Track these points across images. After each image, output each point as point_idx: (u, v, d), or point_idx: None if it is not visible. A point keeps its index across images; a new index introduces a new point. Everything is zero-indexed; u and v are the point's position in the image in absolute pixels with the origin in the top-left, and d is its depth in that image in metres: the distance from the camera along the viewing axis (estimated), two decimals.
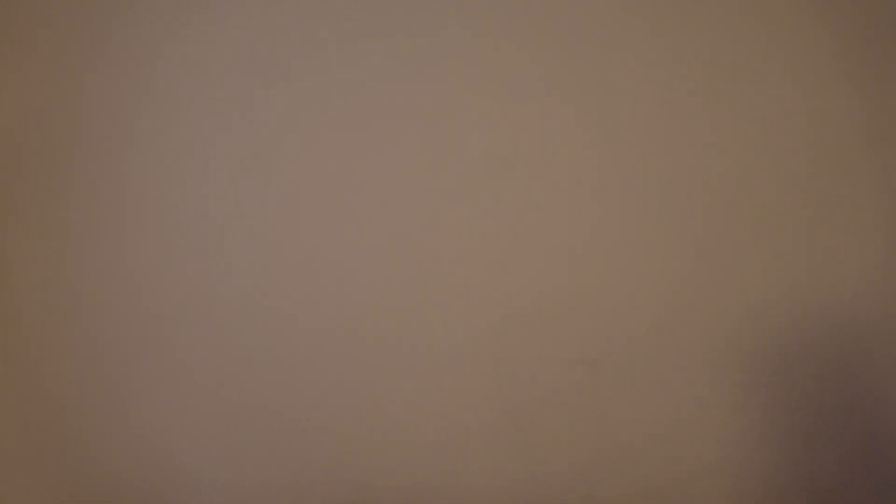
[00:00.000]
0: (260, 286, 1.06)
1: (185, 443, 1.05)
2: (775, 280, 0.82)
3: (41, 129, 0.98)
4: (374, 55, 1.06)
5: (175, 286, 1.05)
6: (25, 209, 0.98)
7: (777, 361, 0.82)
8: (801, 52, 0.73)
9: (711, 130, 0.82)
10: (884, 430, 0.79)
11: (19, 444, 0.92)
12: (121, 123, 1.03)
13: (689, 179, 0.83)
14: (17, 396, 0.93)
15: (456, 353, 0.91)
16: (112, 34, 0.97)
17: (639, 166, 0.83)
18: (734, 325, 0.82)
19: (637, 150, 0.83)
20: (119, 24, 0.99)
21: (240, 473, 1.04)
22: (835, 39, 0.73)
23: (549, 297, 0.93)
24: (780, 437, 0.82)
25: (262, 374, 1.05)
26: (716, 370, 0.82)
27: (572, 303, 0.92)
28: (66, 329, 1.03)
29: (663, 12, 0.86)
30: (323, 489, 1.03)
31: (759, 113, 0.82)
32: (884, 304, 0.81)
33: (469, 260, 0.95)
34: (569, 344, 0.85)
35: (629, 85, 0.84)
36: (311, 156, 1.06)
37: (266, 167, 1.07)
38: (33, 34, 0.96)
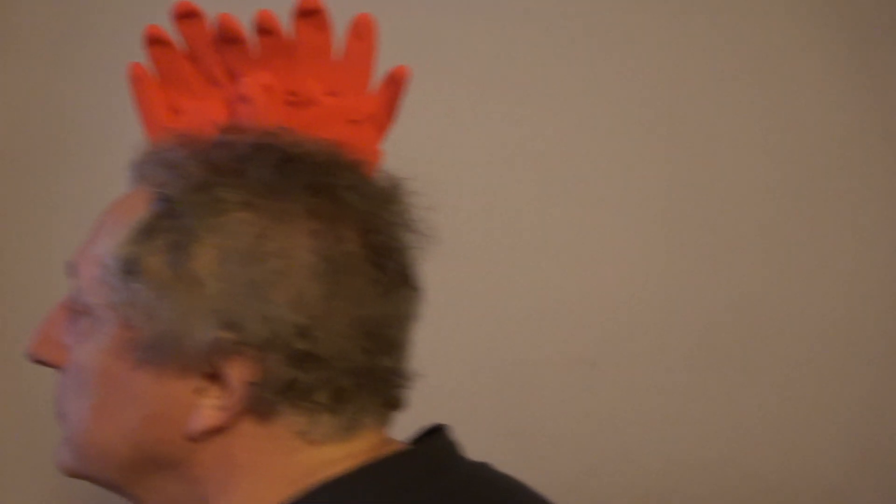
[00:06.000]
0: None
1: None
2: (775, 280, 0.82)
3: (41, 129, 0.98)
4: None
5: None
6: (26, 208, 0.98)
7: (768, 359, 0.83)
8: (801, 52, 0.73)
9: (713, 131, 0.83)
10: None
11: (20, 443, 0.92)
12: (121, 123, 1.03)
13: (690, 181, 0.83)
14: (17, 396, 0.93)
15: (456, 352, 0.91)
16: (111, 34, 0.98)
17: (640, 167, 0.84)
18: (733, 323, 0.82)
19: (638, 151, 0.84)
20: (118, 24, 0.99)
21: None
22: (837, 40, 0.73)
23: (550, 297, 0.94)
24: (777, 435, 0.83)
25: None
26: (714, 369, 0.83)
27: (572, 303, 0.92)
28: None
29: (666, 13, 0.86)
30: None
31: (760, 113, 0.82)
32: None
33: (470, 260, 0.96)
34: (569, 344, 0.86)
35: (631, 86, 0.84)
36: None
37: None
38: (33, 34, 0.96)
